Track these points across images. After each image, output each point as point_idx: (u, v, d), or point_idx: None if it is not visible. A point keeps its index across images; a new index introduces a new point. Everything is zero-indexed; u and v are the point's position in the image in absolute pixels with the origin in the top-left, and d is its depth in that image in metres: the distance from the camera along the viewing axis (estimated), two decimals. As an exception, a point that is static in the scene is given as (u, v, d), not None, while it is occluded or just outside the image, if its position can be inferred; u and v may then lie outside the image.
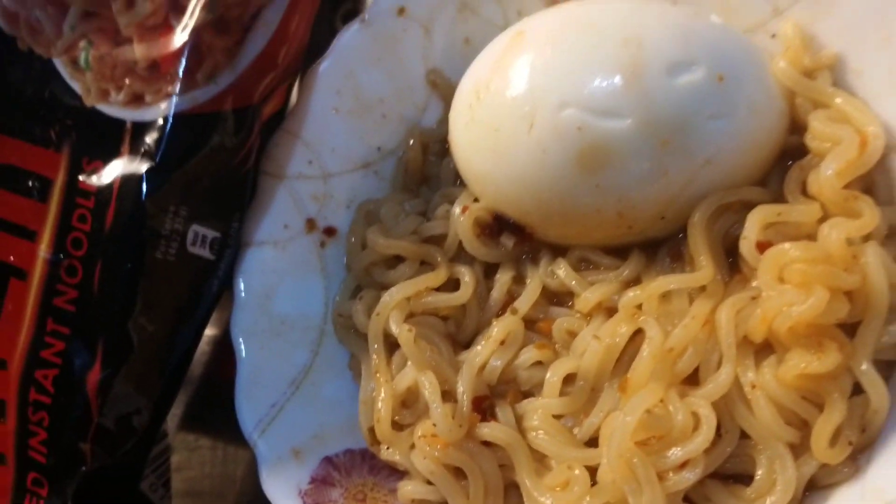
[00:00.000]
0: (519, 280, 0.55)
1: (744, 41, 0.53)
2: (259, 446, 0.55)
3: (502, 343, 0.52)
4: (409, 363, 0.52)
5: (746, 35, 0.56)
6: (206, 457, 0.74)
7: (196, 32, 0.53)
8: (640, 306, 0.50)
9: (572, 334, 0.52)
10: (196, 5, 0.54)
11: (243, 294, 0.58)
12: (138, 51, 0.54)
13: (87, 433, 0.53)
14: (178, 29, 0.54)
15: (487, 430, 0.50)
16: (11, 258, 0.55)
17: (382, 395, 0.53)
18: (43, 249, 0.54)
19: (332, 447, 0.56)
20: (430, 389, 0.51)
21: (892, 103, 0.51)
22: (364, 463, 0.56)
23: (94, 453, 0.53)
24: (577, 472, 0.48)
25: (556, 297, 0.55)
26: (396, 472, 0.55)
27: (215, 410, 0.71)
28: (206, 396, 0.73)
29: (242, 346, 0.57)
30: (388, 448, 0.53)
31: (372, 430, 0.54)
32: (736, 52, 0.52)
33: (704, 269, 0.49)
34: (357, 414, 0.56)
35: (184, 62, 0.53)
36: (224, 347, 0.61)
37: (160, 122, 0.53)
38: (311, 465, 0.55)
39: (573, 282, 0.52)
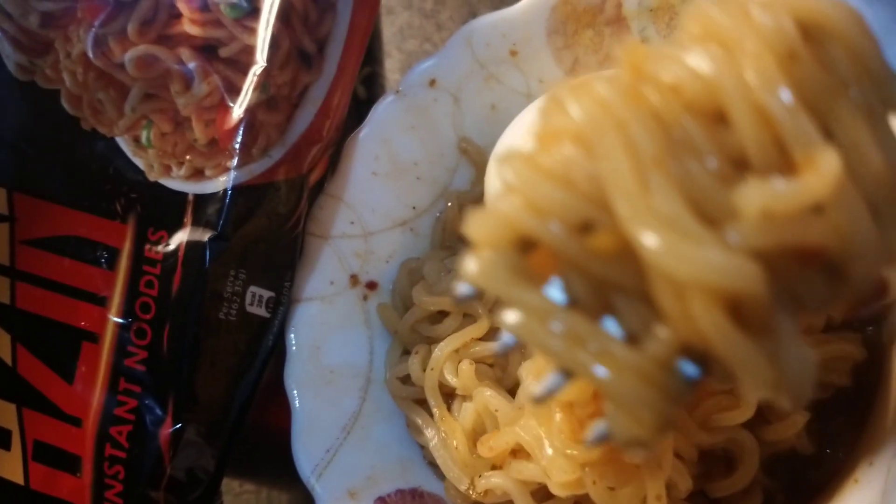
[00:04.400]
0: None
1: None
2: (317, 490, 0.59)
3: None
4: (465, 403, 0.57)
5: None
6: (252, 500, 0.78)
7: (250, 111, 0.59)
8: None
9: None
10: (249, 86, 0.59)
11: (294, 347, 0.63)
12: (197, 129, 0.59)
13: (160, 483, 0.57)
14: (234, 108, 0.59)
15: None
16: (83, 323, 0.59)
17: (453, 434, 0.58)
18: (113, 314, 0.59)
19: (384, 487, 0.60)
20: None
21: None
22: (414, 501, 0.61)
23: (166, 501, 0.57)
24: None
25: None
26: (445, 510, 0.60)
27: (258, 456, 0.75)
28: (250, 443, 0.78)
29: (297, 397, 0.61)
30: (479, 478, 0.57)
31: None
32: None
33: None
34: (405, 456, 0.61)
35: (240, 139, 0.58)
36: (265, 396, 0.65)
37: (220, 194, 0.58)
38: (366, 505, 0.59)
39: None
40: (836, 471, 0.55)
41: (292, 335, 0.63)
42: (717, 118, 0.32)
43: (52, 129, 0.61)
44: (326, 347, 0.64)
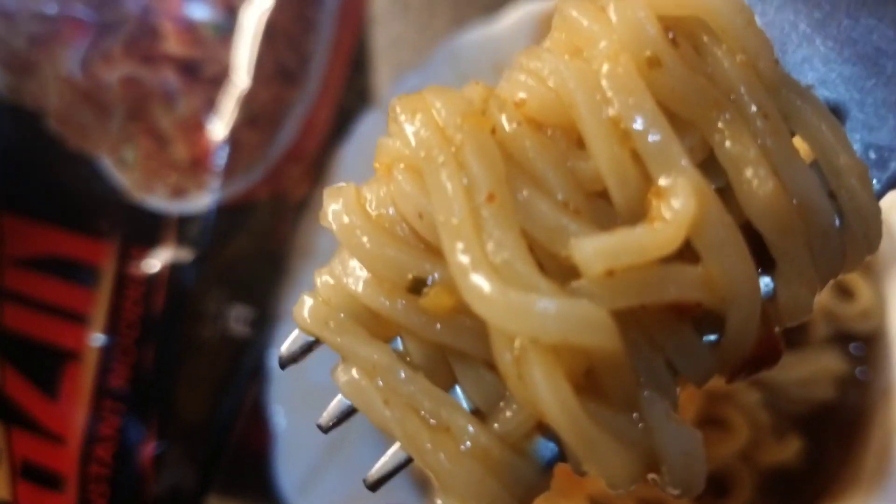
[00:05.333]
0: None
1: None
2: (300, 508, 0.59)
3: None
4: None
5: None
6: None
7: (232, 130, 0.59)
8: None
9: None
10: (231, 106, 0.59)
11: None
12: (180, 148, 0.59)
13: (143, 501, 0.57)
14: (216, 127, 0.59)
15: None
16: (67, 342, 0.60)
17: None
18: (96, 333, 0.59)
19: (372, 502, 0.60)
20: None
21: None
22: (398, 520, 0.60)
23: (150, 521, 0.58)
24: None
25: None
26: (428, 527, 0.59)
27: (242, 478, 0.75)
28: (234, 465, 0.77)
29: (281, 415, 0.61)
30: None
31: None
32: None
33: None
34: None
35: (222, 158, 0.59)
36: (249, 417, 0.65)
37: (203, 213, 0.58)
38: (350, 525, 0.59)
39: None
40: (827, 486, 0.54)
41: (276, 353, 0.63)
42: (578, 141, 0.26)
43: (36, 150, 0.61)
44: (311, 366, 0.63)
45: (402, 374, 0.27)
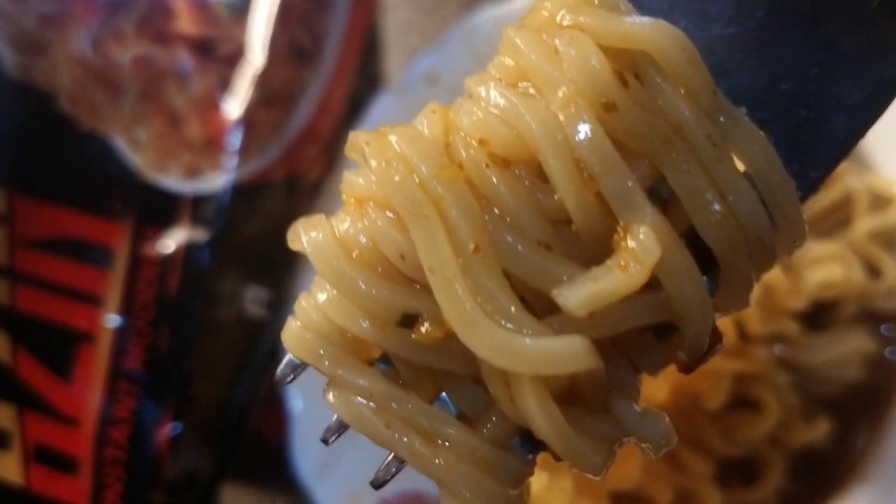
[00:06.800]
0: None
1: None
2: (318, 494, 0.58)
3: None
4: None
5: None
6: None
7: (247, 109, 0.58)
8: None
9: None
10: (246, 85, 0.58)
11: (295, 348, 0.62)
12: (194, 128, 0.59)
13: (159, 484, 0.57)
14: (231, 107, 0.58)
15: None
16: (80, 324, 0.59)
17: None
18: (110, 315, 0.58)
19: (386, 490, 0.59)
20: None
21: (893, 146, 0.55)
22: (417, 503, 0.60)
23: (167, 502, 0.57)
24: None
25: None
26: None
27: (258, 464, 0.74)
28: (250, 451, 0.77)
29: (298, 398, 0.60)
30: None
31: None
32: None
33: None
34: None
35: (237, 137, 0.58)
36: (265, 403, 0.64)
37: (218, 193, 0.57)
38: (368, 509, 0.59)
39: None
40: (855, 467, 0.54)
41: (293, 335, 0.62)
42: (540, 173, 0.28)
43: (49, 130, 0.61)
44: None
45: (397, 397, 0.30)
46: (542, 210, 0.28)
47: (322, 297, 0.30)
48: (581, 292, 0.26)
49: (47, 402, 0.58)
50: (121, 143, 0.61)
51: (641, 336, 0.29)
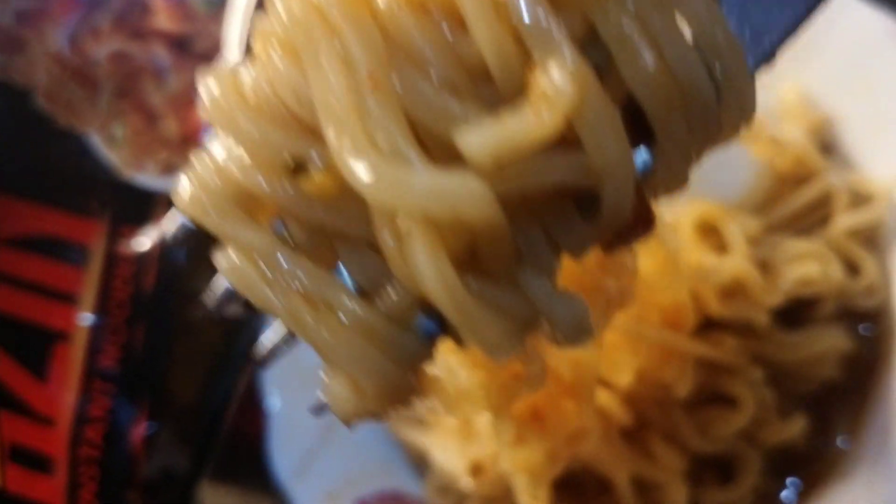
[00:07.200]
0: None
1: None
2: (296, 493, 0.58)
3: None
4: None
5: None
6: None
7: (224, 106, 0.58)
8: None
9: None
10: (223, 81, 0.58)
11: (273, 347, 0.61)
12: (171, 125, 0.58)
13: (134, 483, 0.56)
14: (208, 103, 0.58)
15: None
16: (55, 322, 0.58)
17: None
18: (85, 313, 0.58)
19: (364, 489, 0.59)
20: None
21: (872, 147, 0.55)
22: (394, 502, 0.59)
23: (142, 501, 0.56)
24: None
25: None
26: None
27: (237, 464, 0.74)
28: (229, 450, 0.76)
29: (276, 397, 0.60)
30: None
31: None
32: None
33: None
34: (386, 457, 0.60)
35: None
36: (243, 402, 0.64)
37: (194, 190, 0.57)
38: (345, 508, 0.58)
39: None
40: (832, 465, 0.54)
41: (272, 334, 0.62)
42: (462, 23, 0.25)
43: (25, 128, 0.60)
44: (306, 348, 0.62)
45: (283, 256, 0.27)
46: (457, 58, 0.25)
47: (216, 151, 0.28)
48: (485, 135, 0.23)
49: (22, 402, 0.58)
50: (97, 141, 0.60)
51: (560, 206, 0.26)
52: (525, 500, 0.49)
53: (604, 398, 0.49)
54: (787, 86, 0.59)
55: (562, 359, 0.43)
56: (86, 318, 0.57)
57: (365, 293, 0.27)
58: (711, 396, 0.52)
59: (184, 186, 0.29)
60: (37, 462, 0.58)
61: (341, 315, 0.26)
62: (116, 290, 0.57)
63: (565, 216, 0.26)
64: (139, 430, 0.56)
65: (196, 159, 0.29)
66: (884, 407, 0.52)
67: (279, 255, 0.27)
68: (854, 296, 0.53)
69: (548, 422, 0.44)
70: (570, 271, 0.36)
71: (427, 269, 0.24)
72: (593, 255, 0.37)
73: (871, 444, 0.52)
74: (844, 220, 0.54)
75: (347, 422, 0.28)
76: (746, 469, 0.53)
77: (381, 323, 0.26)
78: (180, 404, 0.57)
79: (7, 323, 0.58)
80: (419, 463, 0.60)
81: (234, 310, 0.60)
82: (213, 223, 0.28)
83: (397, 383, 0.27)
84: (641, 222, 0.27)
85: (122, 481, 0.56)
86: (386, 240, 0.25)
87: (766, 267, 0.51)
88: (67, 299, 0.58)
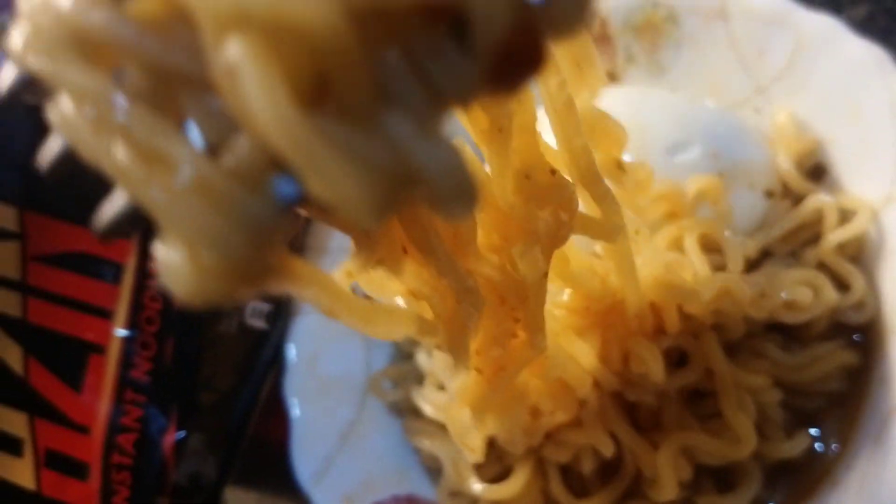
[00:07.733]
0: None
1: (735, 121, 0.61)
2: (315, 496, 0.61)
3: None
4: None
5: (734, 110, 0.64)
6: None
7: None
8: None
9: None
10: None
11: (295, 358, 0.65)
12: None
13: (164, 488, 0.60)
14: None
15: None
16: (91, 336, 0.62)
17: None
18: (119, 327, 0.61)
19: (380, 493, 0.62)
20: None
21: (860, 170, 0.58)
22: (409, 506, 0.63)
23: (171, 507, 0.60)
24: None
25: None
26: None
27: (260, 468, 0.77)
28: (252, 455, 0.79)
29: (296, 406, 0.63)
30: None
31: None
32: (729, 131, 0.60)
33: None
34: (401, 463, 0.63)
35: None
36: (267, 409, 0.67)
37: (220, 211, 0.60)
38: (362, 511, 0.61)
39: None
40: (827, 472, 0.56)
41: (293, 346, 0.65)
42: None
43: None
44: (324, 359, 0.66)
45: (117, 101, 0.23)
46: None
47: None
48: None
49: (58, 411, 0.61)
50: (128, 163, 0.63)
51: (428, 31, 0.21)
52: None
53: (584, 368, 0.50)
54: (780, 111, 0.62)
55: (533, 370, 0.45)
56: (119, 331, 0.61)
57: (214, 150, 0.23)
58: (710, 413, 0.54)
59: (16, 31, 0.25)
60: (72, 468, 0.61)
61: (180, 172, 0.22)
62: (146, 306, 0.61)
63: (434, 43, 0.21)
64: (169, 438, 0.59)
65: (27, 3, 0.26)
66: (875, 414, 0.54)
67: (113, 99, 0.23)
68: (845, 311, 0.56)
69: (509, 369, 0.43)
70: (492, 203, 0.34)
71: (256, 94, 0.20)
72: (518, 181, 0.34)
73: (863, 451, 0.54)
74: (834, 237, 0.56)
75: (190, 301, 0.24)
76: (748, 483, 0.54)
77: (222, 181, 0.22)
78: (208, 413, 0.61)
79: (44, 337, 0.62)
80: (434, 469, 0.63)
81: (256, 323, 0.63)
82: (42, 65, 0.25)
83: (245, 257, 0.22)
84: (528, 58, 0.23)
85: (153, 487, 0.60)
86: (216, 66, 0.21)
87: (762, 296, 0.53)
88: (102, 314, 0.61)
